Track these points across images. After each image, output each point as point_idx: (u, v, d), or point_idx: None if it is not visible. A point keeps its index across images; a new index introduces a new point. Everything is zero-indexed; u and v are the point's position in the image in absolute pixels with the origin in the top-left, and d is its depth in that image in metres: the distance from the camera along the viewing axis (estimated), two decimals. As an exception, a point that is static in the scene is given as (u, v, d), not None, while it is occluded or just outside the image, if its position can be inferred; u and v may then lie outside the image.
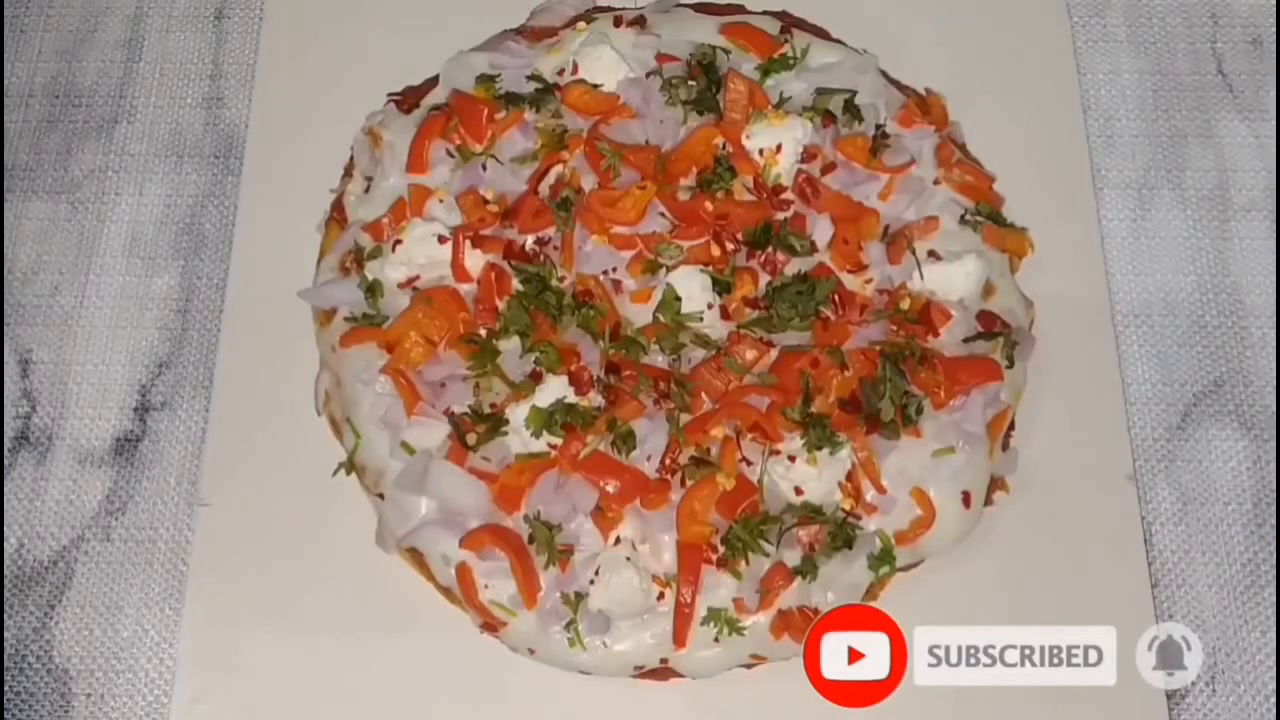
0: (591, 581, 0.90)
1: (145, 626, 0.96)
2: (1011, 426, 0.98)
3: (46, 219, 1.08)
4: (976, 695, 0.93)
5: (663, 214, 0.98)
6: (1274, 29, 1.12)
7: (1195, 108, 1.11)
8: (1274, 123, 1.09)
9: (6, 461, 1.00)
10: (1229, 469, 1.00)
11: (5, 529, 0.98)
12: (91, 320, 1.05)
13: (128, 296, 1.05)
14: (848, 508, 0.92)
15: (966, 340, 0.97)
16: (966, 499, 0.94)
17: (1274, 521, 0.98)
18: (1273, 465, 1.00)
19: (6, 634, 0.95)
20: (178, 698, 0.93)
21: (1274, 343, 1.03)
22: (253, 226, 1.06)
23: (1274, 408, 1.01)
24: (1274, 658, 0.95)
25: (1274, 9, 1.13)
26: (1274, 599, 0.96)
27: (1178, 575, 0.97)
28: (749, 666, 0.92)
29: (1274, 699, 0.94)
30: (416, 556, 0.94)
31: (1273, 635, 0.95)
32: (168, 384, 1.03)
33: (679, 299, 0.95)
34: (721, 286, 0.97)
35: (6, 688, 0.94)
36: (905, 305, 0.97)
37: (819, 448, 0.92)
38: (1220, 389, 1.02)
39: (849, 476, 0.93)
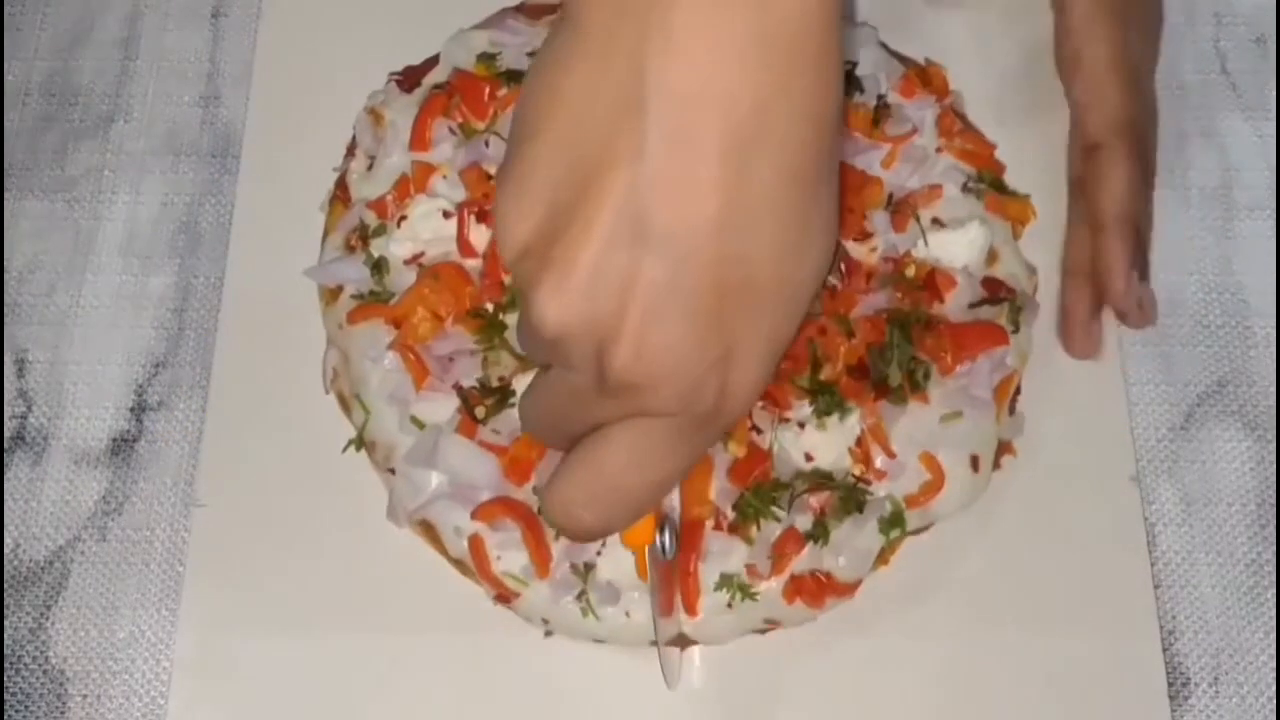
0: (599, 553, 0.90)
1: (142, 627, 0.95)
2: (1018, 391, 0.98)
3: (43, 218, 1.07)
4: (977, 693, 0.93)
5: None
6: (1277, 28, 1.12)
7: (1198, 107, 1.11)
8: (1277, 121, 1.09)
9: (3, 461, 0.99)
10: (1233, 469, 1.00)
11: (2, 529, 0.97)
12: (88, 320, 1.04)
13: (124, 296, 1.05)
14: (858, 473, 0.93)
15: (971, 306, 0.98)
16: (975, 463, 0.94)
17: (1276, 522, 0.98)
18: (1276, 465, 0.99)
19: (3, 634, 0.94)
20: (175, 699, 0.92)
21: (1277, 342, 1.03)
22: (250, 225, 1.06)
23: (1277, 408, 1.01)
24: (1276, 658, 0.94)
25: (1277, 8, 1.13)
26: (1276, 599, 0.96)
27: (1180, 576, 0.97)
28: (763, 632, 0.92)
29: (1276, 700, 0.93)
30: (429, 530, 0.94)
31: (1276, 636, 0.95)
32: (164, 384, 1.02)
33: None
34: None
35: (3, 688, 0.93)
36: (910, 272, 0.98)
37: (828, 414, 0.92)
38: (1224, 389, 1.02)
39: (859, 442, 0.93)
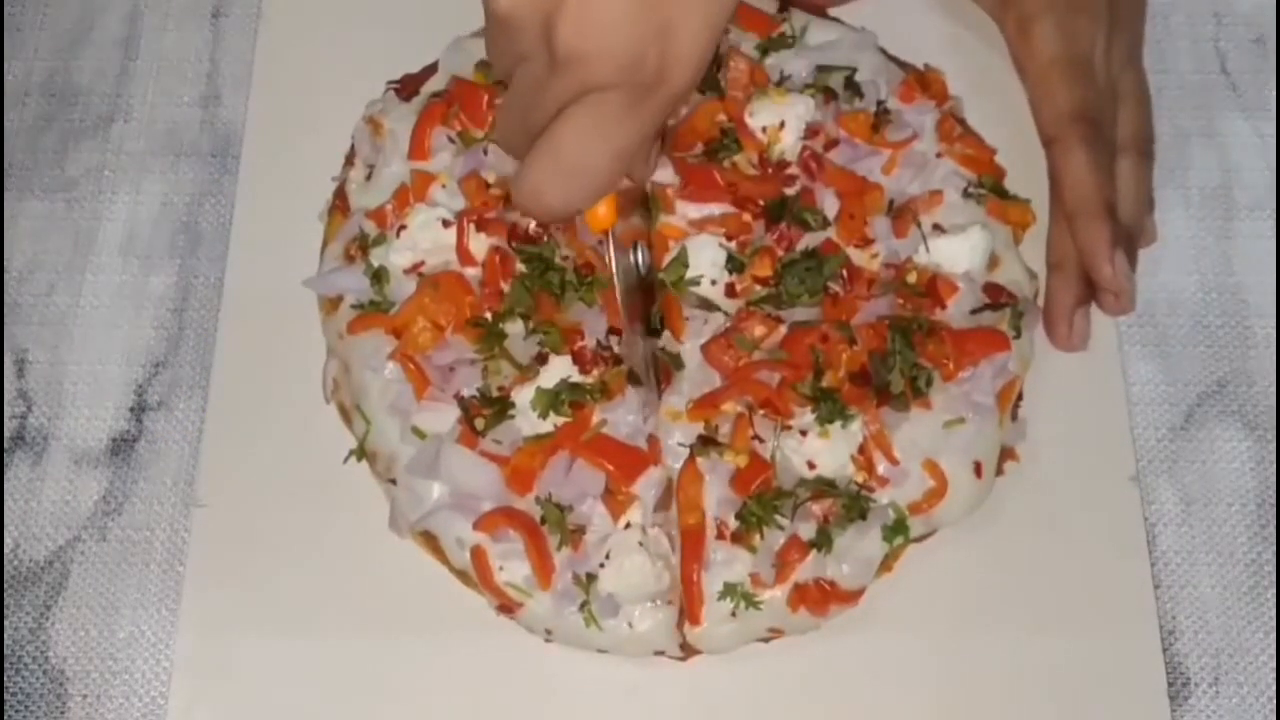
0: (602, 565, 0.90)
1: (142, 628, 0.95)
2: (1020, 397, 0.98)
3: (43, 218, 1.07)
4: (978, 693, 0.93)
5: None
6: (1277, 28, 1.12)
7: (1198, 106, 1.11)
8: (1277, 121, 1.09)
9: (3, 461, 0.99)
10: (1233, 469, 1.00)
11: (1, 529, 0.97)
12: (88, 320, 1.04)
13: (124, 296, 1.05)
14: (861, 480, 0.93)
15: (973, 312, 0.97)
16: (978, 469, 0.94)
17: (1276, 522, 0.98)
18: (1276, 465, 0.99)
19: (3, 634, 0.94)
20: (175, 699, 0.92)
21: (1277, 342, 1.03)
22: (249, 225, 1.06)
23: (1277, 408, 1.01)
24: (1277, 658, 0.94)
25: (1277, 8, 1.13)
26: (1276, 599, 0.96)
27: (1180, 576, 0.97)
28: (766, 640, 0.92)
29: (1276, 700, 0.93)
30: (430, 541, 0.93)
31: (1276, 636, 0.95)
32: (164, 384, 1.02)
33: (686, 265, 0.96)
34: (735, 265, 0.97)
35: (3, 688, 0.93)
36: (912, 279, 0.98)
37: (830, 421, 0.92)
38: (1224, 389, 1.02)
39: (861, 449, 0.93)
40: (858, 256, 0.98)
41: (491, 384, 0.94)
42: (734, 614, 0.91)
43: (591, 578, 0.90)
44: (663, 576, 0.90)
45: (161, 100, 1.12)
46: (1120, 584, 0.95)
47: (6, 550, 0.97)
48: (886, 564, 0.93)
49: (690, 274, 0.96)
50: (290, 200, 1.05)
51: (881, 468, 0.93)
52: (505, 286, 0.97)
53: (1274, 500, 0.98)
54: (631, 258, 0.92)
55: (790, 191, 0.99)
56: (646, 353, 0.94)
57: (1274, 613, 0.96)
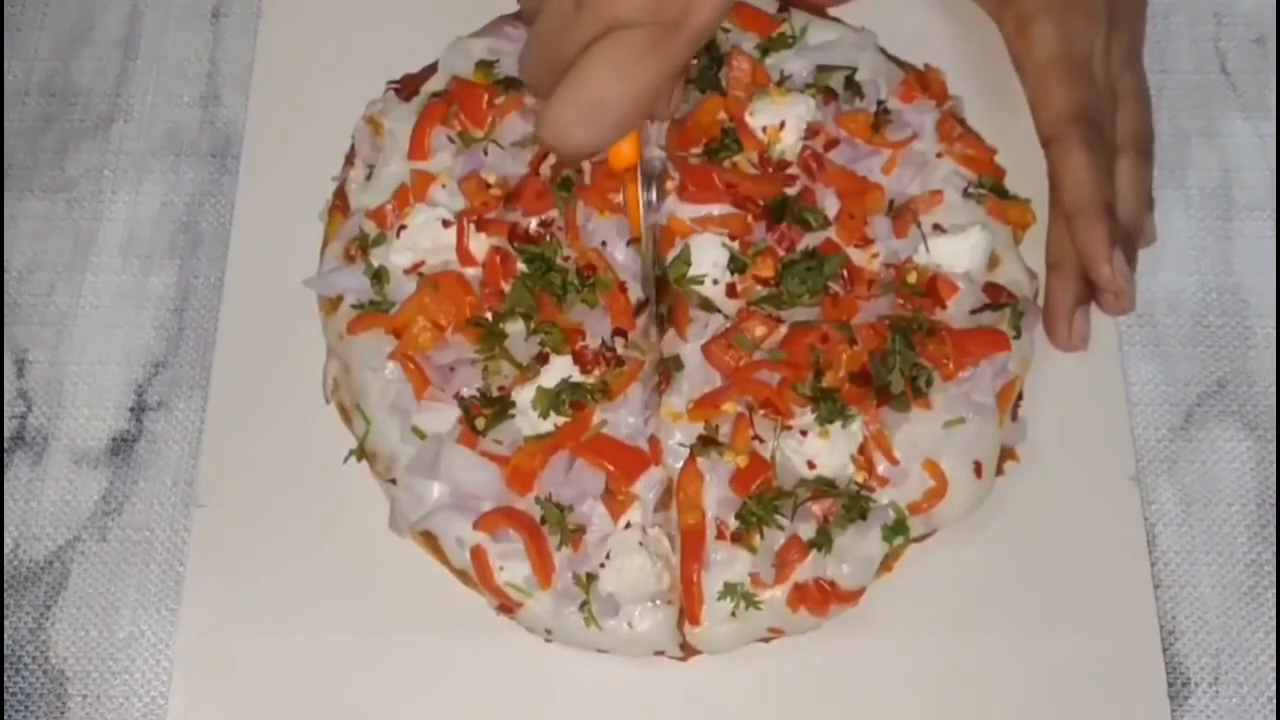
0: (602, 565, 0.90)
1: (142, 628, 0.95)
2: (1020, 397, 0.98)
3: (42, 218, 1.07)
4: (978, 693, 0.93)
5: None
6: (1277, 28, 1.12)
7: (1198, 106, 1.11)
8: (1277, 121, 1.09)
9: (3, 461, 0.99)
10: (1233, 470, 1.00)
11: (1, 529, 0.97)
12: (88, 320, 1.04)
13: (124, 296, 1.05)
14: (861, 480, 0.93)
15: (973, 312, 0.98)
16: (978, 469, 0.94)
17: (1276, 522, 0.98)
18: (1276, 465, 0.99)
19: (3, 634, 0.94)
20: (175, 699, 0.92)
21: (1277, 342, 1.03)
22: (249, 225, 1.06)
23: (1277, 408, 1.01)
24: (1277, 658, 0.94)
25: (1277, 8, 1.13)
26: (1276, 599, 0.96)
27: (1180, 576, 0.97)
28: (766, 640, 0.92)
29: (1276, 700, 0.94)
30: (430, 541, 0.93)
31: (1276, 636, 0.95)
32: (164, 384, 1.02)
33: (688, 264, 0.96)
34: (737, 265, 0.97)
35: (3, 688, 0.93)
36: (912, 279, 0.98)
37: (831, 421, 0.92)
38: (1224, 389, 1.02)
39: (861, 449, 0.93)
40: (858, 256, 0.98)
41: (492, 384, 0.95)
42: (734, 614, 0.91)
43: (591, 578, 0.90)
44: (663, 576, 0.91)
45: (161, 100, 1.12)
46: (1120, 584, 0.95)
47: (6, 550, 0.97)
48: (886, 564, 0.93)
49: (693, 273, 0.96)
50: (290, 200, 1.05)
51: (881, 468, 0.93)
52: (506, 287, 0.97)
53: (1274, 500, 0.98)
54: (645, 197, 0.94)
55: (791, 191, 0.99)
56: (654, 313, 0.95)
57: (1274, 613, 0.96)
